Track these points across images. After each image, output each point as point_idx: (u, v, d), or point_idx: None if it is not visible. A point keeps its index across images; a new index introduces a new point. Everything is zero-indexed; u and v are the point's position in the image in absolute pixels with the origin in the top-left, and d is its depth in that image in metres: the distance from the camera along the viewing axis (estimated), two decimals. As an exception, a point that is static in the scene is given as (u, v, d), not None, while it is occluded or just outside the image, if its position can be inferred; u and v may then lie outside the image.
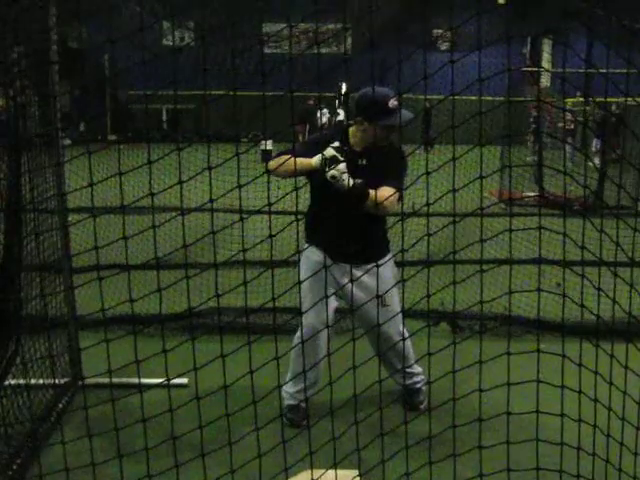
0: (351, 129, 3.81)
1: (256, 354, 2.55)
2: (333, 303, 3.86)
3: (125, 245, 2.44)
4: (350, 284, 3.67)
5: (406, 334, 3.91)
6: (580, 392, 2.63)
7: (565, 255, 2.54)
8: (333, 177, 3.46)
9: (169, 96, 2.59)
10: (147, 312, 4.72)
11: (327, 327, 3.44)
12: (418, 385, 4.16)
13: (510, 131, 8.85)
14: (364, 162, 3.69)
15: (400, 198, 3.61)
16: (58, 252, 4.25)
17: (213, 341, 2.61)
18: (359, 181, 3.54)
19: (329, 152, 3.47)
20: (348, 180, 3.46)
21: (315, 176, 3.63)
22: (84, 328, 4.63)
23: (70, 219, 4.49)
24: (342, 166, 3.44)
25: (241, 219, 2.43)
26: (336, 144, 3.52)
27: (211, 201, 2.39)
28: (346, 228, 3.60)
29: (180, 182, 2.34)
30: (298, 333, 3.84)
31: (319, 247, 3.75)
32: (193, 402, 2.53)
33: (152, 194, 2.35)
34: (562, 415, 2.66)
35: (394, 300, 3.84)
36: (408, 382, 4.08)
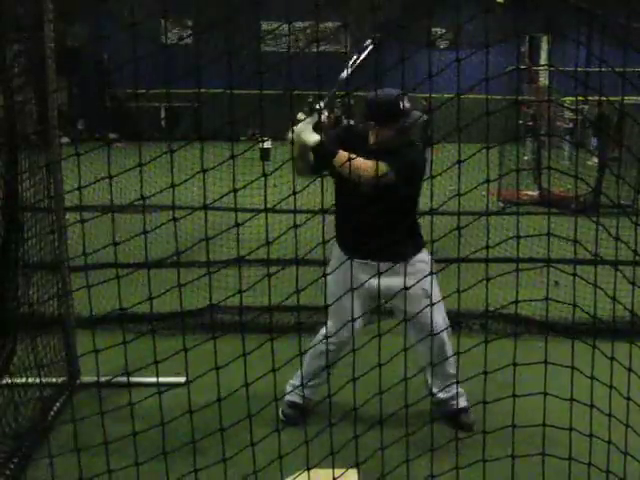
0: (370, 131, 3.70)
1: (254, 356, 2.47)
2: (359, 312, 3.53)
3: (115, 246, 2.37)
4: (379, 282, 3.34)
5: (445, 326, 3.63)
6: (592, 406, 2.54)
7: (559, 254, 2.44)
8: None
9: (167, 94, 2.51)
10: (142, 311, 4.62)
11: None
12: (462, 404, 3.67)
13: (511, 130, 8.78)
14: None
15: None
16: (55, 251, 4.17)
17: (209, 341, 2.48)
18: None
19: (298, 117, 3.37)
20: (309, 136, 3.33)
21: (336, 175, 3.52)
22: (82, 327, 4.53)
23: (67, 217, 4.43)
24: (301, 125, 3.32)
25: (237, 224, 2.34)
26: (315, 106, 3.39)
27: (205, 207, 2.31)
28: (371, 224, 3.41)
29: (172, 185, 2.26)
30: (319, 337, 3.71)
31: (345, 249, 3.65)
32: (189, 402, 2.46)
33: (143, 198, 2.27)
34: (570, 429, 2.57)
35: (435, 292, 3.49)
36: (445, 397, 3.68)
